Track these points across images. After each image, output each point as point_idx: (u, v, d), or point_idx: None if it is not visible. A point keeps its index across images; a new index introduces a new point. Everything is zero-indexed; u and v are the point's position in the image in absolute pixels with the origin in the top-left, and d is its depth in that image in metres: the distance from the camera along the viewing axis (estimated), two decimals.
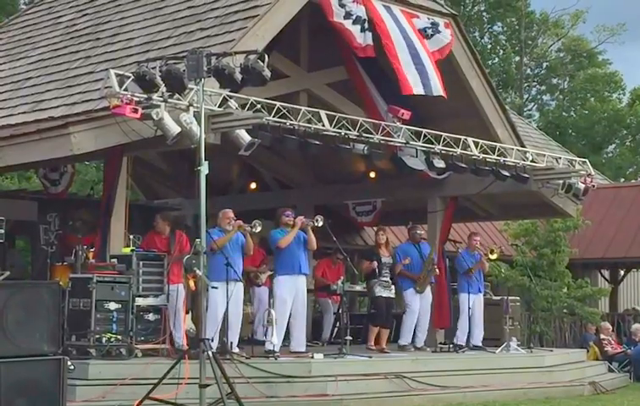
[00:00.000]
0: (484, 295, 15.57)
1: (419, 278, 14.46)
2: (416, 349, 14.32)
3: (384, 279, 14.04)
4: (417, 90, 13.36)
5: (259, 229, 12.11)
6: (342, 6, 13.11)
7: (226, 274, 11.34)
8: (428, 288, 14.65)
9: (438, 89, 13.54)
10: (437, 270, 14.86)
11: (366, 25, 13.19)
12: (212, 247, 11.12)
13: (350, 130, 12.58)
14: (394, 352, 13.87)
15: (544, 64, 44.34)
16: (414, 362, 12.85)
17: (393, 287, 14.19)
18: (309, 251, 13.09)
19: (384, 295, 13.99)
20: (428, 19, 14.01)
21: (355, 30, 13.12)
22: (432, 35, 13.91)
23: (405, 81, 13.31)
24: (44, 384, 8.29)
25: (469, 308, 14.63)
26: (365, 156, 13.35)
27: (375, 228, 15.44)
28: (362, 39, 13.18)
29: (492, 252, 15.23)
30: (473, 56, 14.88)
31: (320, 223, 12.59)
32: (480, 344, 14.69)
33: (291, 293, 12.46)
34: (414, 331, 14.50)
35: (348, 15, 13.12)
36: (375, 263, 14.05)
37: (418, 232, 14.91)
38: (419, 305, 14.48)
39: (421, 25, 13.89)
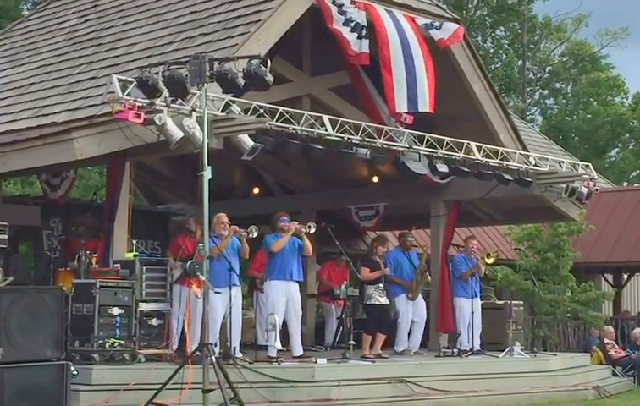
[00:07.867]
0: (488, 300, 15.54)
1: (411, 286, 14.44)
2: (414, 354, 14.29)
3: (381, 286, 13.90)
4: (401, 107, 13.24)
5: (255, 234, 12.13)
6: (342, 13, 13.05)
7: (229, 279, 11.37)
8: (420, 295, 14.64)
9: (425, 104, 13.33)
10: (429, 277, 14.84)
11: (364, 33, 13.06)
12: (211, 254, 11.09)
13: (352, 135, 12.56)
14: (392, 357, 13.83)
15: (547, 68, 44.29)
16: (417, 366, 12.83)
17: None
18: (306, 258, 13.07)
19: (379, 303, 13.80)
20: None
21: (351, 37, 13.01)
22: (440, 26, 13.87)
23: (390, 98, 13.27)
24: (47, 389, 8.30)
25: (471, 313, 14.61)
26: (368, 160, 13.36)
27: (376, 234, 15.28)
28: (358, 47, 13.02)
29: (488, 256, 15.18)
30: (476, 60, 14.85)
31: (312, 230, 12.58)
32: (479, 348, 14.65)
33: (283, 297, 12.43)
34: (409, 337, 14.49)
35: (347, 22, 13.03)
36: (387, 269, 13.96)
37: (409, 239, 14.90)
38: (412, 312, 14.47)
39: (425, 22, 13.85)
